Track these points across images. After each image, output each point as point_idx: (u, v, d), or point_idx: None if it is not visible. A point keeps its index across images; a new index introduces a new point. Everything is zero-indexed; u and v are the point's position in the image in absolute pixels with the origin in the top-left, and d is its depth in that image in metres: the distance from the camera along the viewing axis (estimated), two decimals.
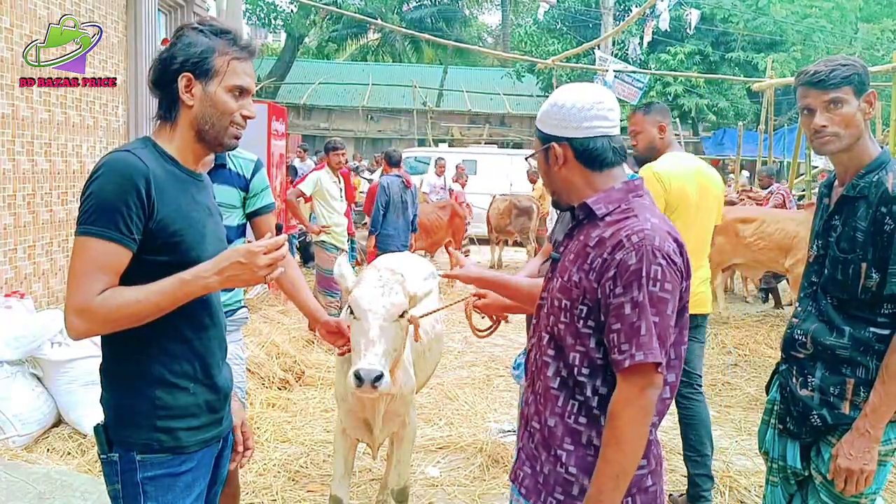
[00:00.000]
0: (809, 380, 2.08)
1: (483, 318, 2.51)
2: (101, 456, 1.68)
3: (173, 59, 1.65)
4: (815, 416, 2.06)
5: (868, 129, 2.07)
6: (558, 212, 2.79)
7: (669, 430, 4.19)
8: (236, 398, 1.97)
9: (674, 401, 1.80)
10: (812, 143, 2.12)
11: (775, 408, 2.25)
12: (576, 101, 1.68)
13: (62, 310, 1.51)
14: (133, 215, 1.55)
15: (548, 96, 1.89)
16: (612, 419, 1.55)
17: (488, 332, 2.55)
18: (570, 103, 1.68)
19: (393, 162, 7.45)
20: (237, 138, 1.74)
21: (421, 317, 2.70)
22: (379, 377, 2.27)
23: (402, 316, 2.47)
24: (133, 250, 1.57)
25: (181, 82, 1.65)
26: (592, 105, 1.68)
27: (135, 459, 1.63)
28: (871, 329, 1.99)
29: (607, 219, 1.64)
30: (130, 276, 1.58)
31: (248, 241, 1.90)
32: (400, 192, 7.17)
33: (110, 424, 1.67)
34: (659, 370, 1.53)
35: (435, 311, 3.01)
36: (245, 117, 1.72)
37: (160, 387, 1.65)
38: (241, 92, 1.70)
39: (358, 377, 2.28)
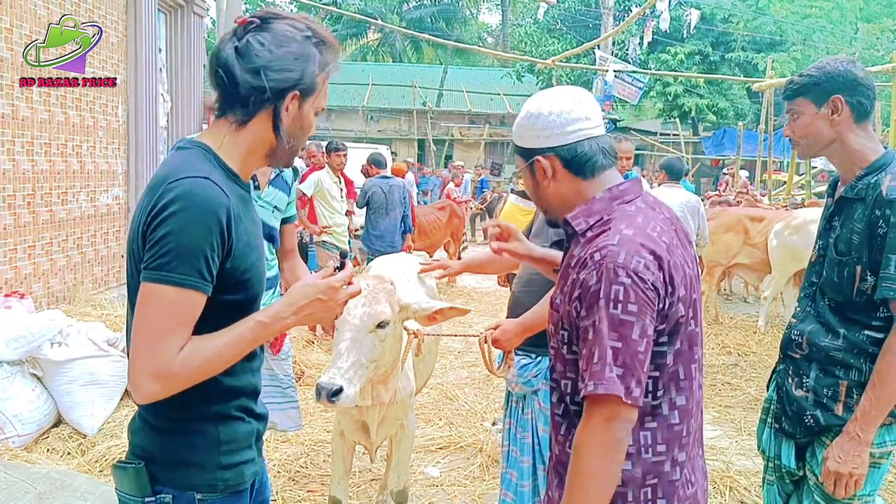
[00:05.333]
0: (804, 380, 2.08)
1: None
2: (146, 500, 1.44)
3: (286, 70, 1.42)
4: (809, 417, 2.06)
5: (854, 132, 2.04)
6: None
7: None
8: None
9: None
10: None
11: (772, 407, 2.25)
12: (552, 107, 1.54)
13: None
14: (215, 257, 1.35)
15: None
16: (574, 453, 1.42)
17: (502, 369, 2.51)
18: (547, 110, 1.55)
19: (379, 165, 7.78)
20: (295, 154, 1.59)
21: (426, 334, 2.69)
22: (337, 392, 2.20)
23: (380, 326, 2.39)
24: (210, 294, 1.37)
25: (289, 100, 1.43)
26: (571, 108, 1.54)
27: (194, 499, 1.45)
28: (866, 332, 1.98)
29: (588, 234, 1.51)
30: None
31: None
32: (383, 194, 7.41)
33: (162, 464, 1.46)
34: (627, 401, 1.37)
35: (443, 335, 2.99)
36: None
37: (220, 421, 1.49)
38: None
39: (317, 390, 2.23)
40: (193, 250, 1.31)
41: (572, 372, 1.51)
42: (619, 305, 1.38)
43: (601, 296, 1.39)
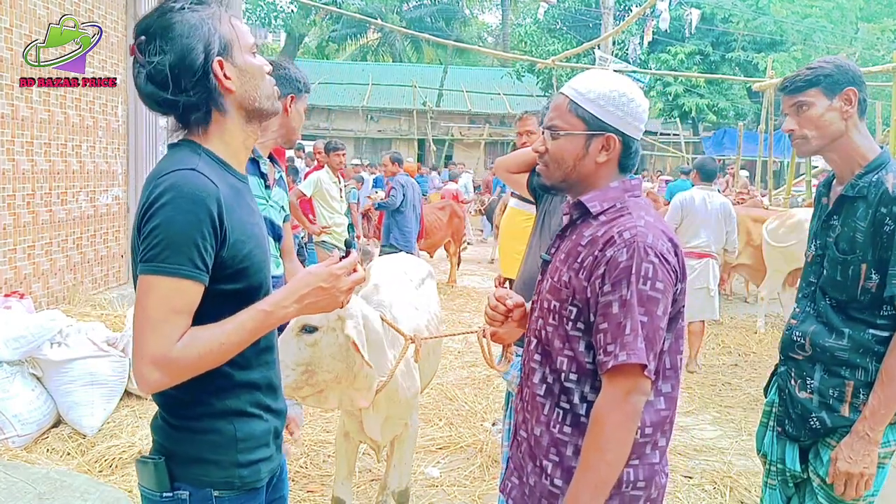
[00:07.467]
0: (808, 382, 2.07)
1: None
2: (164, 495, 1.45)
3: (190, 50, 1.38)
4: (814, 419, 2.05)
5: (857, 128, 2.04)
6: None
7: None
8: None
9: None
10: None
11: (774, 410, 2.24)
12: (640, 100, 1.61)
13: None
14: (208, 246, 1.35)
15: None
16: (594, 424, 1.47)
17: (503, 364, 2.50)
18: (638, 100, 1.60)
19: (400, 163, 8.04)
20: (271, 97, 1.53)
21: (423, 338, 2.68)
22: None
23: (305, 330, 2.32)
24: (206, 284, 1.37)
25: (218, 70, 1.41)
26: (647, 108, 1.63)
27: (211, 496, 1.46)
28: (871, 331, 1.97)
29: (601, 217, 1.58)
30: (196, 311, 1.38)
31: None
32: (413, 191, 7.77)
33: (179, 461, 1.46)
34: (645, 374, 1.45)
35: (441, 336, 2.98)
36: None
37: (236, 417, 1.48)
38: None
39: None
40: (184, 240, 1.32)
41: (570, 349, 1.56)
42: (648, 282, 1.46)
43: (632, 272, 1.46)
